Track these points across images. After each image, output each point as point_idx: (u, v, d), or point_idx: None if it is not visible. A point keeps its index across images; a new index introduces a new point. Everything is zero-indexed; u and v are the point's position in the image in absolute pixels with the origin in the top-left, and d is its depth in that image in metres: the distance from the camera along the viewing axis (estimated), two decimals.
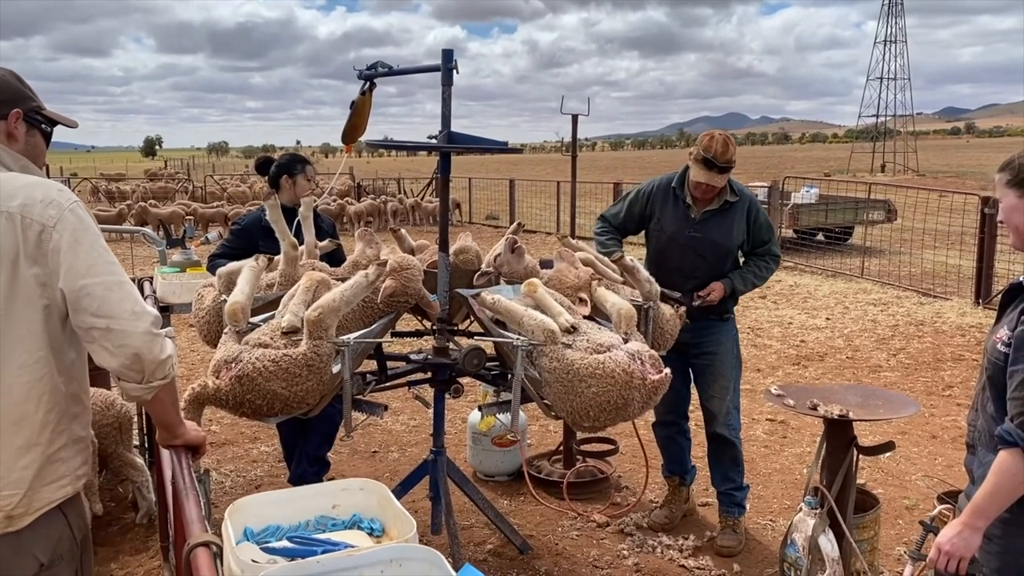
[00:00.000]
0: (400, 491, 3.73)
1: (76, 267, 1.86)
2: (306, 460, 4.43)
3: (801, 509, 3.34)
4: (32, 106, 2.06)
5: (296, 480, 4.42)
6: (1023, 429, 2.07)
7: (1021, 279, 2.26)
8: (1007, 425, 2.11)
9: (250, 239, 4.33)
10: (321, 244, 3.97)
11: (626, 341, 3.08)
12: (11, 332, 1.85)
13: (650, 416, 4.17)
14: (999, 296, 2.66)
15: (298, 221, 3.94)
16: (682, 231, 4.01)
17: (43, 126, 2.09)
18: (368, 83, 3.65)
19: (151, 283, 4.70)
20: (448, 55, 3.35)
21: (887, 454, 4.44)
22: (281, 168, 4.53)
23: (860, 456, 3.37)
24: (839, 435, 3.31)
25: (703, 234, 3.97)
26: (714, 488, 4.29)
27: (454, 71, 3.36)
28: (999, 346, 2.20)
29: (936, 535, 2.26)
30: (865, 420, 3.32)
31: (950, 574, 2.21)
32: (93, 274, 1.87)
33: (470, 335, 3.89)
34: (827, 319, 9.45)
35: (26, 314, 1.86)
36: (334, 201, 20.14)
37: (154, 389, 1.97)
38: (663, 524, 4.35)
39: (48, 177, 2.12)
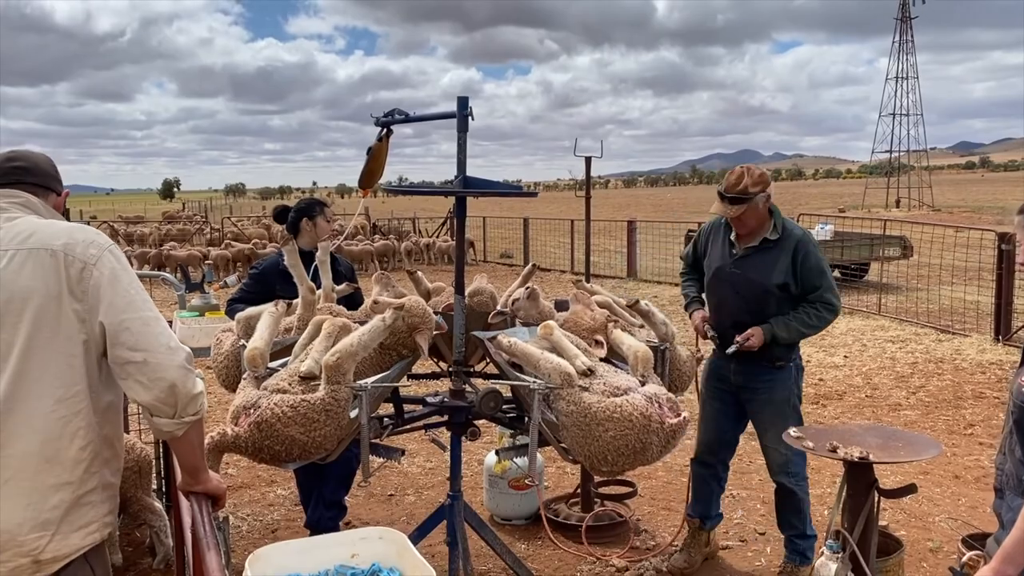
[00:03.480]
0: (417, 536, 3.71)
1: (116, 303, 1.95)
2: (323, 505, 4.41)
3: (823, 553, 3.30)
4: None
5: (313, 525, 4.41)
6: None
7: None
8: None
9: (268, 283, 4.37)
10: (339, 288, 4.01)
11: (643, 384, 3.07)
12: (52, 366, 1.92)
13: (671, 459, 4.14)
14: (1020, 331, 2.64)
15: (315, 265, 3.98)
16: (724, 267, 4.01)
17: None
18: (385, 129, 3.71)
19: (170, 327, 4.74)
20: (463, 102, 3.40)
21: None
22: (300, 212, 4.59)
23: (882, 498, 3.33)
24: (860, 478, 3.28)
25: (742, 271, 3.93)
26: (780, 532, 4.21)
27: (469, 117, 3.41)
28: (1023, 388, 2.19)
29: None
30: (885, 463, 3.29)
31: None
32: (132, 310, 1.96)
33: (486, 377, 3.90)
34: (845, 357, 9.38)
35: (68, 348, 1.93)
36: (353, 237, 20.33)
37: (186, 425, 2.01)
38: (682, 568, 4.29)
39: (68, 220, 2.28)
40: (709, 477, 4.33)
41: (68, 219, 2.32)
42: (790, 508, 4.08)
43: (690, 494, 4.41)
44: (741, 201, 3.76)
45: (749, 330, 3.84)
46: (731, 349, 3.84)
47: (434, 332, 3.39)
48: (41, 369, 1.90)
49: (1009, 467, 2.29)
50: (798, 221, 15.19)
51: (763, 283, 3.87)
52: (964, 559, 2.86)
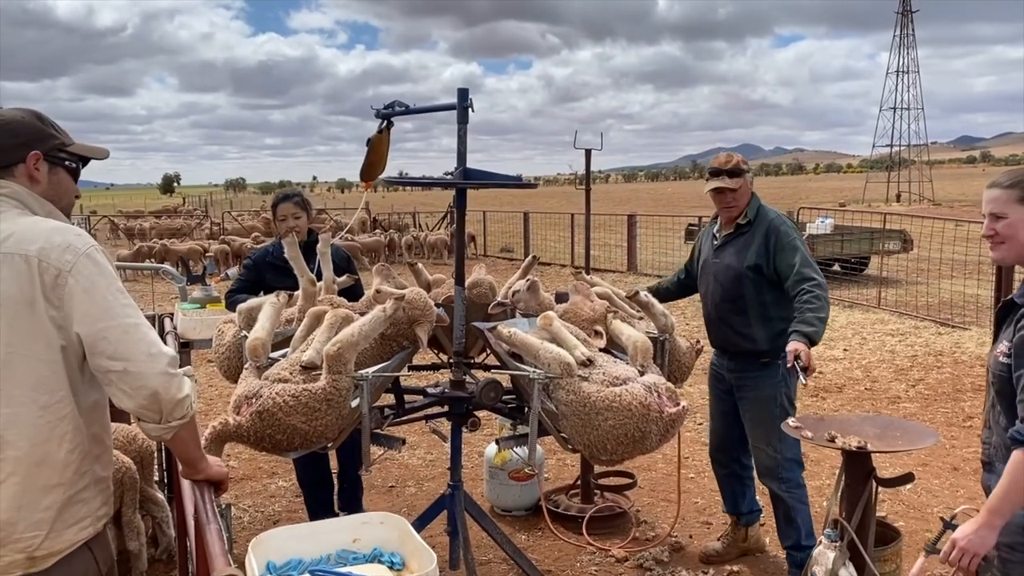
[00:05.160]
0: (418, 526, 3.72)
1: (92, 312, 1.89)
2: (347, 482, 4.66)
3: (821, 542, 3.31)
4: (53, 144, 2.08)
5: (347, 506, 4.73)
6: None
7: (1013, 297, 2.33)
8: (1018, 426, 2.15)
9: (260, 273, 4.47)
10: (340, 280, 4.02)
11: (642, 374, 3.08)
12: (33, 372, 1.89)
13: (670, 450, 4.16)
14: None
15: (318, 258, 4.00)
16: (708, 259, 4.10)
17: (67, 163, 2.11)
18: (385, 121, 3.71)
19: (172, 319, 4.76)
20: (463, 94, 3.41)
21: (907, 486, 4.39)
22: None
23: (880, 488, 3.34)
24: (857, 467, 3.29)
25: (720, 259, 4.00)
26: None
27: (469, 109, 3.42)
28: (1001, 359, 2.27)
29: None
30: (883, 452, 3.30)
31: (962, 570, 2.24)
32: (109, 317, 1.90)
33: (486, 368, 3.91)
34: (845, 350, 9.40)
35: (48, 355, 1.89)
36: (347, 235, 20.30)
37: (173, 429, 1.99)
38: (710, 556, 4.32)
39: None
40: (727, 476, 4.31)
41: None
42: (781, 515, 3.97)
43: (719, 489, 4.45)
44: (738, 174, 3.90)
45: (789, 349, 3.50)
46: (803, 380, 3.51)
47: (435, 324, 3.41)
48: (24, 376, 1.88)
49: (996, 439, 2.34)
50: (798, 215, 15.23)
51: (736, 267, 3.91)
52: (957, 511, 2.88)
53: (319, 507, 4.64)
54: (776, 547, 4.32)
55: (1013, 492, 2.15)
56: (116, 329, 1.90)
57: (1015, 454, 2.15)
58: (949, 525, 2.60)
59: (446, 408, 3.65)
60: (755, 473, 4.21)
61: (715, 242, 4.07)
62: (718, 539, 4.45)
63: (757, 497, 4.41)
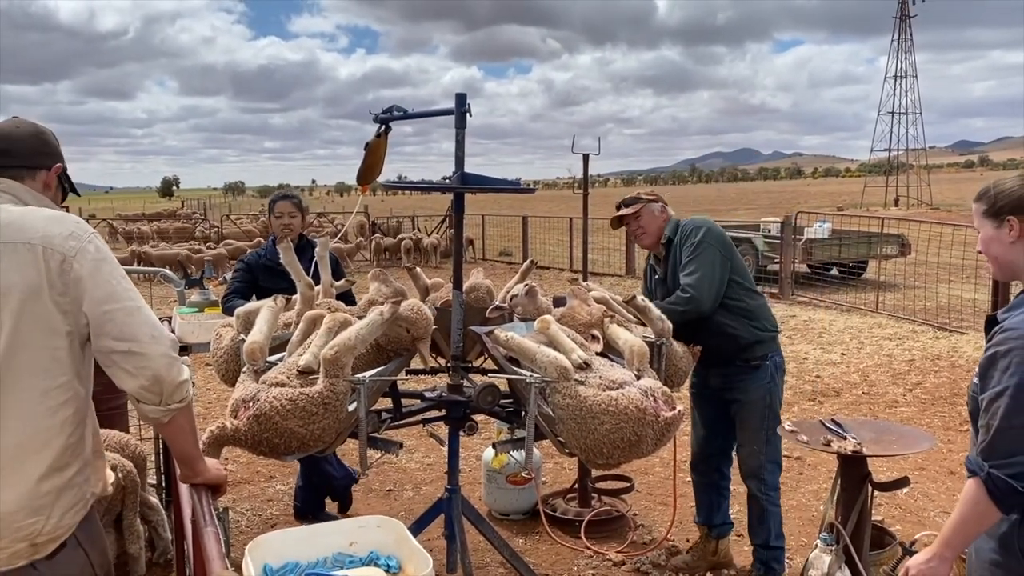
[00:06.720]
0: (415, 529, 3.73)
1: (97, 295, 1.95)
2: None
3: (817, 546, 3.32)
4: (64, 168, 2.24)
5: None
6: (983, 456, 2.05)
7: (997, 313, 2.23)
8: (972, 453, 2.12)
9: (254, 275, 4.54)
10: (337, 284, 4.03)
11: (639, 378, 3.09)
12: (35, 360, 1.91)
13: (667, 454, 4.17)
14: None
15: (315, 261, 4.02)
16: (649, 283, 4.25)
17: (65, 186, 2.28)
18: (383, 126, 3.73)
19: (170, 323, 4.77)
20: (461, 99, 3.43)
21: (904, 490, 4.40)
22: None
23: (876, 492, 3.36)
24: (853, 471, 3.30)
25: (664, 288, 4.05)
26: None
27: (467, 114, 3.44)
28: (974, 379, 2.21)
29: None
30: (879, 456, 3.31)
31: None
32: (114, 300, 1.96)
33: (484, 372, 3.92)
34: (842, 354, 9.41)
35: (51, 341, 1.93)
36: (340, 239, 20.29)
37: (171, 412, 2.03)
38: (680, 568, 4.29)
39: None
40: (706, 485, 4.31)
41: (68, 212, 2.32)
42: (755, 515, 4.03)
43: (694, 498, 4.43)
44: (636, 202, 4.03)
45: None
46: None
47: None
48: (26, 363, 1.90)
49: None
50: (796, 219, 15.22)
51: (673, 288, 3.91)
52: (916, 537, 2.88)
53: (317, 508, 4.73)
54: (745, 560, 4.32)
55: (963, 524, 2.10)
56: (120, 312, 1.96)
57: (968, 484, 2.09)
58: (907, 551, 2.59)
59: (444, 412, 3.66)
60: (731, 484, 4.26)
61: (656, 275, 4.15)
62: (687, 551, 4.42)
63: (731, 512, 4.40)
